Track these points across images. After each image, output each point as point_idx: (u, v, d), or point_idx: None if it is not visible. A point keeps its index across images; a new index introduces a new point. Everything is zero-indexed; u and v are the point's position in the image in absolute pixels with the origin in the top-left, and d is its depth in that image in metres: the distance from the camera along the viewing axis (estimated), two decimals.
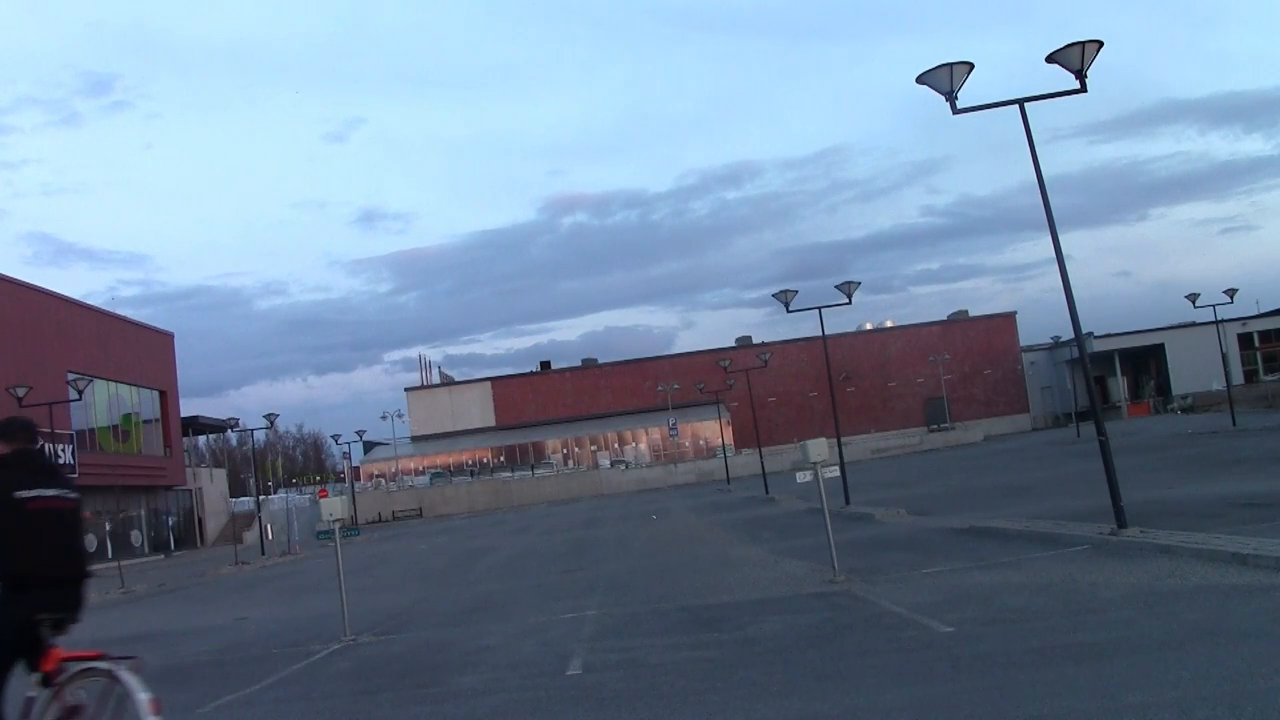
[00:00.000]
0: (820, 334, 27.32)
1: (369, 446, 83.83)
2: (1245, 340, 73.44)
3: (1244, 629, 6.76)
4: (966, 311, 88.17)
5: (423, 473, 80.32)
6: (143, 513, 53.00)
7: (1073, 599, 8.75)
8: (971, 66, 12.62)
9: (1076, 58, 12.32)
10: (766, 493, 37.21)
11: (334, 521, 12.49)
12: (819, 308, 26.02)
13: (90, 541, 46.61)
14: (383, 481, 79.45)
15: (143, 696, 4.79)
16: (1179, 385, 71.95)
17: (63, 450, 41.05)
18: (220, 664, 11.26)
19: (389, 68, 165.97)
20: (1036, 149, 13.26)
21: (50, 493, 5.15)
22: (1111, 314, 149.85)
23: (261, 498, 54.33)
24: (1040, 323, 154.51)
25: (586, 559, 20.17)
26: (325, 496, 13.83)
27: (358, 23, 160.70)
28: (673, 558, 18.07)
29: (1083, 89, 12.50)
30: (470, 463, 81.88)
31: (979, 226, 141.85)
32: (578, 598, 13.52)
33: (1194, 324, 64.49)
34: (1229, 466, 21.85)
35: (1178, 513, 13.63)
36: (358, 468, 79.55)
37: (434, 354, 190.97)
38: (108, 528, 47.83)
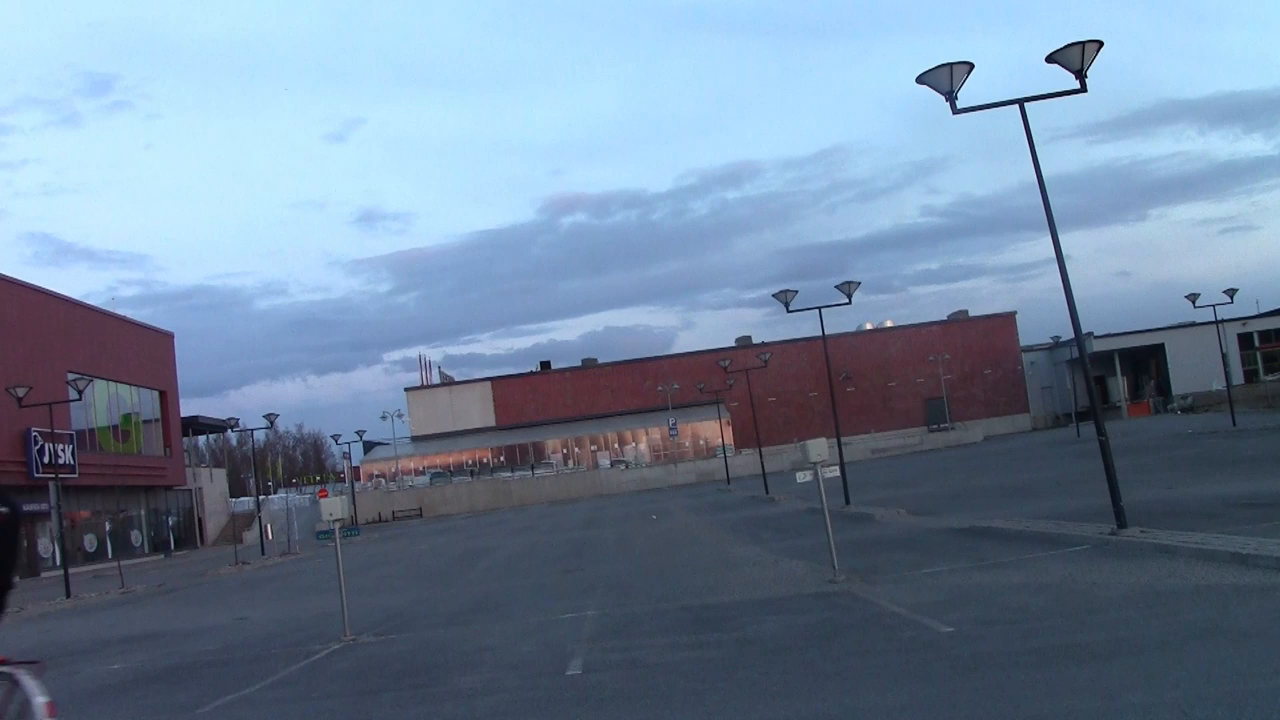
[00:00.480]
0: (820, 334, 27.32)
1: (369, 446, 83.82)
2: (1245, 340, 73.42)
3: (1244, 629, 6.76)
4: (966, 311, 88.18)
5: (423, 473, 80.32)
6: (143, 513, 53.01)
7: (1073, 599, 8.75)
8: (971, 66, 12.62)
9: (1076, 58, 12.32)
10: (766, 493, 37.21)
11: (334, 521, 12.49)
12: (819, 308, 26.02)
13: (91, 542, 46.66)
14: (383, 481, 79.44)
15: (40, 700, 4.80)
16: (1179, 385, 71.95)
17: (63, 450, 41.07)
18: (220, 664, 11.25)
19: (388, 68, 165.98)
20: (1036, 149, 13.26)
21: None
22: (1111, 314, 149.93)
23: (261, 498, 54.33)
24: (1040, 323, 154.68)
25: (586, 559, 20.17)
26: (325, 496, 13.82)
27: (357, 23, 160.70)
28: (673, 558, 18.07)
29: (1083, 89, 12.50)
30: (470, 463, 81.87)
31: (979, 226, 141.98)
32: (578, 598, 13.52)
33: (1194, 324, 64.50)
34: (1229, 466, 21.84)
35: (1178, 513, 13.63)
36: (358, 468, 79.54)
37: (434, 354, 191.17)
38: (108, 528, 47.83)
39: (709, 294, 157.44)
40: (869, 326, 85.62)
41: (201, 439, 78.78)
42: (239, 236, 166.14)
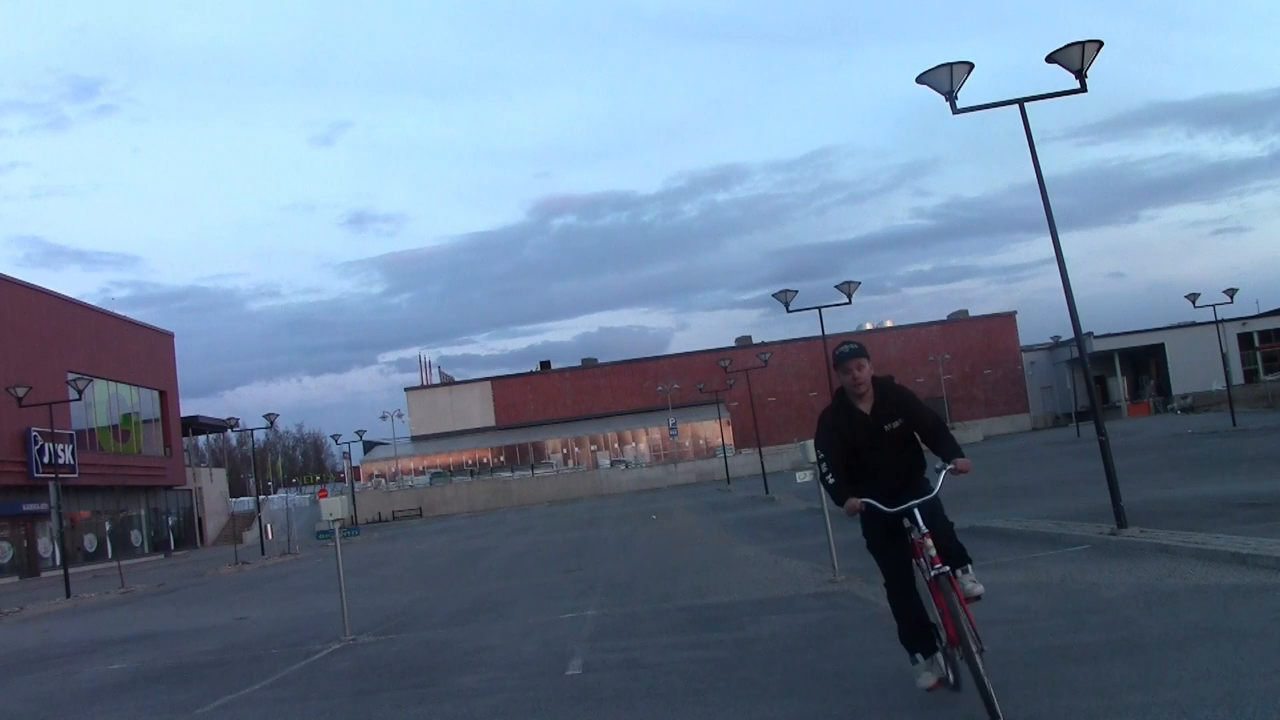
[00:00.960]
0: (820, 334, 27.33)
1: (369, 446, 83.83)
2: (1245, 340, 73.45)
3: (1244, 629, 6.76)
4: (966, 311, 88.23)
5: (423, 472, 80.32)
6: (143, 512, 53.01)
7: (1073, 599, 8.75)
8: (971, 66, 12.61)
9: (1076, 58, 12.33)
10: (766, 492, 37.22)
11: (334, 521, 12.48)
12: (819, 307, 26.05)
13: (91, 542, 46.65)
14: (383, 481, 79.44)
15: None
16: (1179, 385, 71.96)
17: (63, 450, 41.06)
18: (220, 664, 11.25)
19: (374, 72, 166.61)
20: (1034, 150, 13.25)
21: None
22: (1105, 315, 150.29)
23: (261, 498, 54.32)
24: (1034, 323, 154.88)
25: (586, 559, 20.17)
26: (325, 496, 13.82)
27: (342, 27, 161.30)
28: (673, 557, 18.07)
29: (1082, 89, 12.50)
30: (470, 463, 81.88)
31: (969, 228, 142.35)
32: (578, 598, 13.52)
33: (1194, 324, 64.53)
34: (1229, 466, 21.83)
35: (1178, 513, 13.62)
36: (357, 467, 79.56)
37: (429, 355, 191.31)
38: (108, 528, 47.84)
39: (703, 295, 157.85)
40: (869, 326, 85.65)
41: (201, 439, 78.81)
42: (230, 238, 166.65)
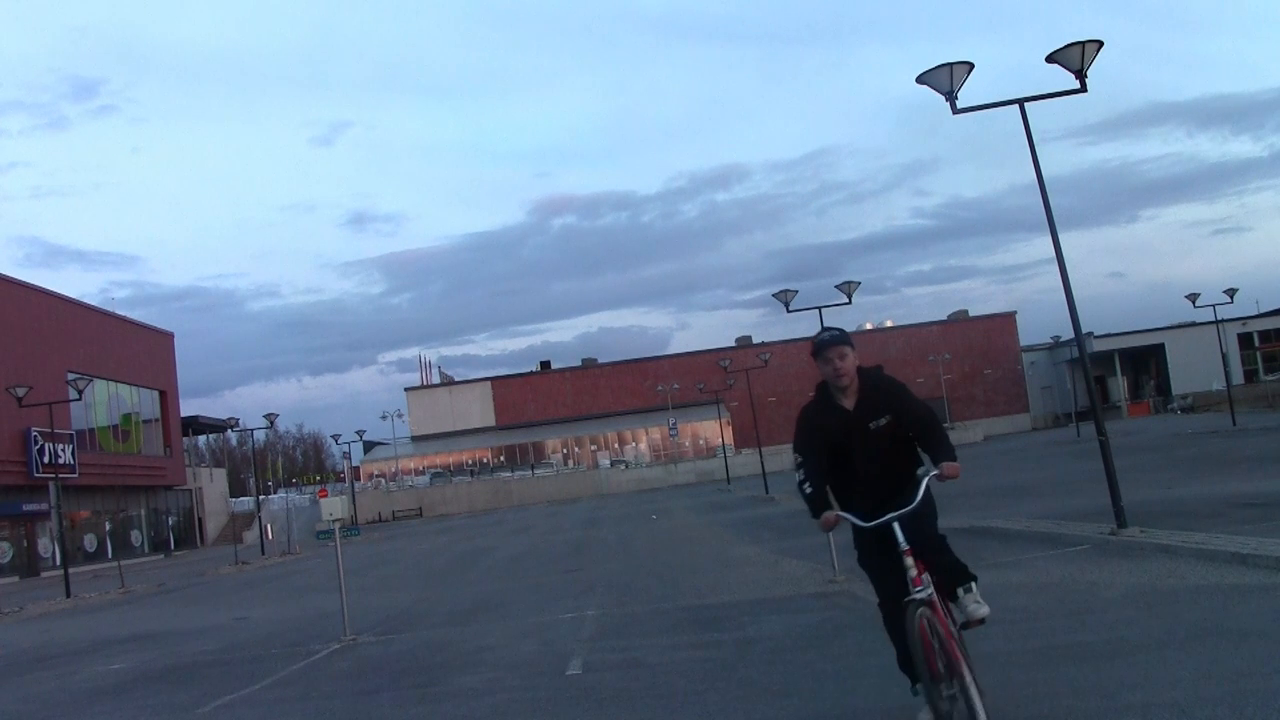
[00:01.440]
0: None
1: (369, 446, 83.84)
2: (1245, 340, 73.45)
3: (1244, 629, 6.76)
4: (966, 311, 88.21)
5: (423, 472, 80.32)
6: (143, 512, 53.00)
7: (1073, 599, 8.75)
8: (971, 66, 12.61)
9: (1076, 58, 12.33)
10: (766, 492, 37.21)
11: (334, 521, 12.49)
12: (819, 307, 26.04)
13: (91, 542, 46.65)
14: (383, 481, 79.44)
15: None
16: (1179, 385, 71.96)
17: (63, 450, 41.06)
18: (220, 664, 11.25)
19: (374, 72, 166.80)
20: (1034, 150, 13.25)
21: None
22: (1105, 315, 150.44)
23: (261, 498, 54.33)
24: (1034, 323, 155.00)
25: (586, 559, 20.17)
26: (325, 496, 13.82)
27: (342, 28, 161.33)
28: (673, 558, 18.07)
29: (1083, 89, 12.50)
30: (470, 463, 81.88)
31: (969, 228, 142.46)
32: (578, 598, 13.52)
33: (1194, 324, 64.53)
34: (1229, 466, 21.83)
35: (1178, 513, 13.62)
36: (358, 467, 79.55)
37: (429, 355, 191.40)
38: (108, 527, 47.82)
39: (702, 295, 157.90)
40: (869, 326, 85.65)
41: (201, 439, 78.82)
42: (230, 239, 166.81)
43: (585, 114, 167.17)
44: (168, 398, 56.63)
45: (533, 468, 77.87)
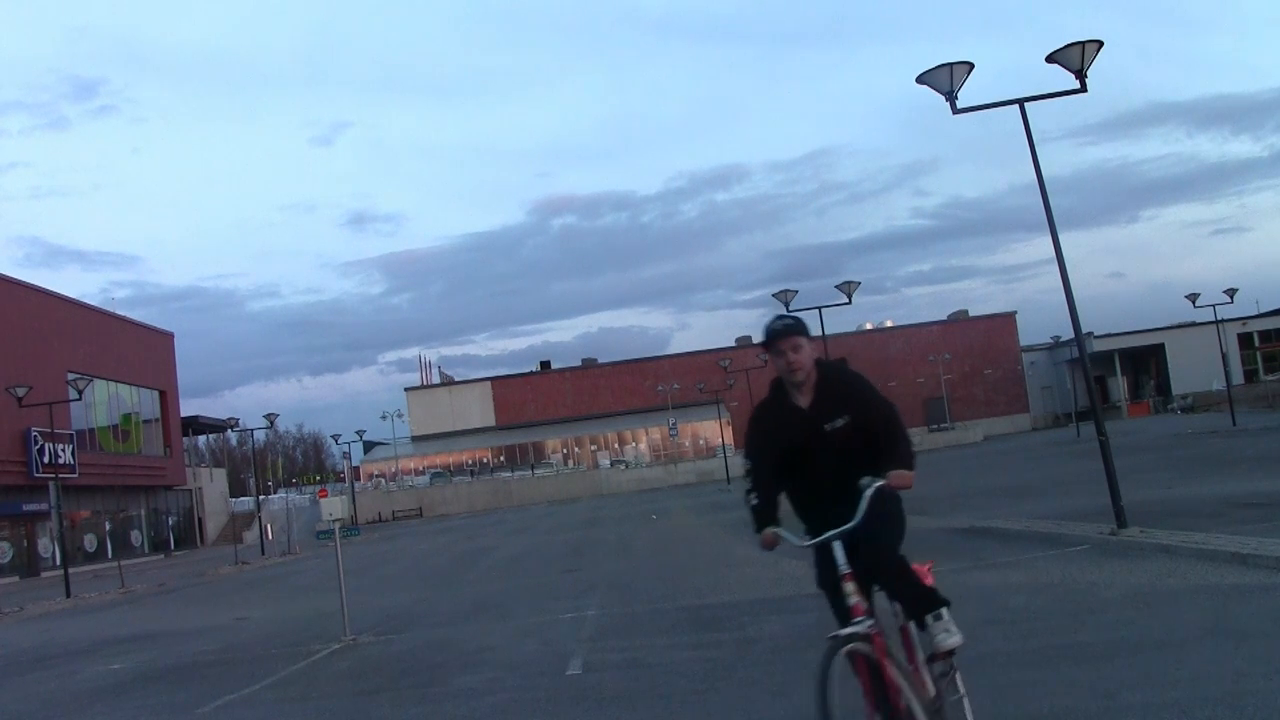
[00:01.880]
0: (820, 334, 27.34)
1: (369, 446, 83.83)
2: (1245, 340, 73.42)
3: (1244, 629, 6.76)
4: (966, 311, 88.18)
5: (423, 473, 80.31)
6: (143, 513, 53.00)
7: (1073, 599, 8.75)
8: (971, 66, 12.63)
9: (1076, 58, 12.34)
10: None
11: (334, 521, 12.48)
12: (819, 307, 26.06)
13: (91, 542, 46.65)
14: (383, 481, 79.42)
15: None
16: (1179, 385, 71.93)
17: (63, 450, 41.06)
18: (220, 664, 11.25)
19: (373, 72, 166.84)
20: (1034, 150, 13.26)
21: None
22: (1105, 315, 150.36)
23: (261, 498, 54.33)
24: (1034, 323, 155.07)
25: (586, 559, 20.16)
26: (325, 496, 13.82)
27: (341, 28, 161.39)
28: (673, 558, 18.07)
29: (1083, 89, 12.51)
30: (470, 463, 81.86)
31: (969, 228, 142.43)
32: (578, 598, 13.52)
33: (1194, 324, 64.51)
34: (1229, 466, 21.83)
35: (1178, 513, 13.62)
36: (358, 467, 79.55)
37: (429, 355, 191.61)
38: (108, 527, 47.83)
39: (702, 295, 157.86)
40: (869, 326, 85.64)
41: (201, 439, 78.79)
42: (230, 239, 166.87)
43: (585, 114, 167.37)
44: (168, 398, 56.63)
45: (533, 468, 77.85)
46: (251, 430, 49.52)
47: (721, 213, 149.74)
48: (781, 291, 26.22)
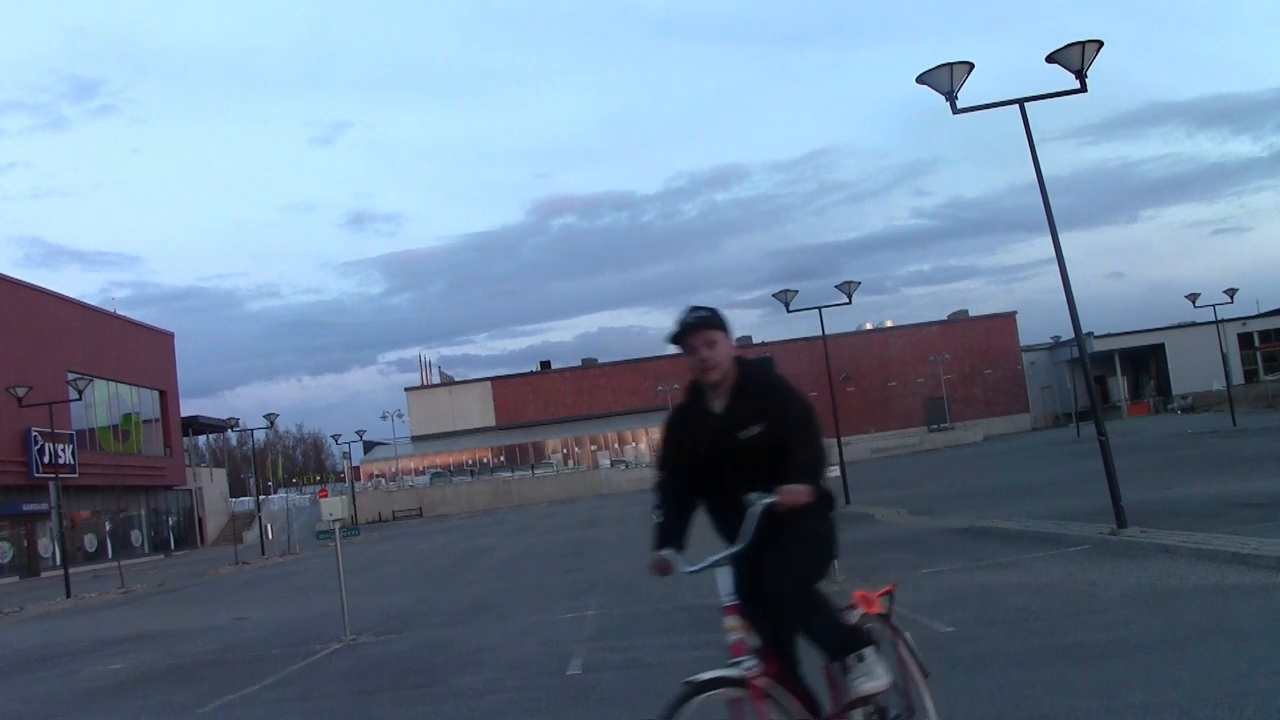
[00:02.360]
0: (820, 334, 27.32)
1: (369, 446, 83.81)
2: (1245, 340, 73.40)
3: (1244, 629, 6.76)
4: (966, 311, 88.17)
5: (423, 472, 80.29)
6: (143, 512, 53.00)
7: (1073, 599, 8.75)
8: (971, 66, 12.62)
9: (1076, 58, 12.34)
10: None
11: (334, 521, 12.48)
12: (819, 307, 26.03)
13: (91, 542, 46.65)
14: (383, 481, 79.42)
15: None
16: (1179, 385, 71.92)
17: (63, 450, 41.06)
18: (220, 664, 11.25)
19: (374, 72, 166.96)
20: (1034, 150, 13.26)
21: None
22: (1105, 315, 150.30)
23: (261, 498, 54.30)
24: (1034, 323, 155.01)
25: (587, 559, 20.16)
26: (325, 496, 13.81)
27: (342, 28, 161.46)
28: None
29: (1083, 89, 12.51)
30: (470, 462, 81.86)
31: (969, 228, 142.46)
32: (578, 598, 13.52)
33: (1194, 324, 64.50)
34: (1229, 466, 21.84)
35: (1178, 513, 13.62)
36: (358, 468, 79.54)
37: (429, 355, 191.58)
38: (108, 527, 47.83)
39: (702, 295, 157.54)
40: (869, 326, 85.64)
41: (201, 439, 78.81)
42: (230, 239, 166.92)
43: (585, 114, 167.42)
44: (168, 398, 56.63)
45: (533, 468, 77.84)
46: (251, 430, 49.53)
47: (721, 213, 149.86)
48: (781, 291, 26.17)
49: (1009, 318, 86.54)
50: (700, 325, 3.89)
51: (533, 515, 48.89)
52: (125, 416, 51.48)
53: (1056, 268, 13.19)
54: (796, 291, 26.05)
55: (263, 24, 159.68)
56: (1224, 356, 50.91)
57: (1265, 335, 74.58)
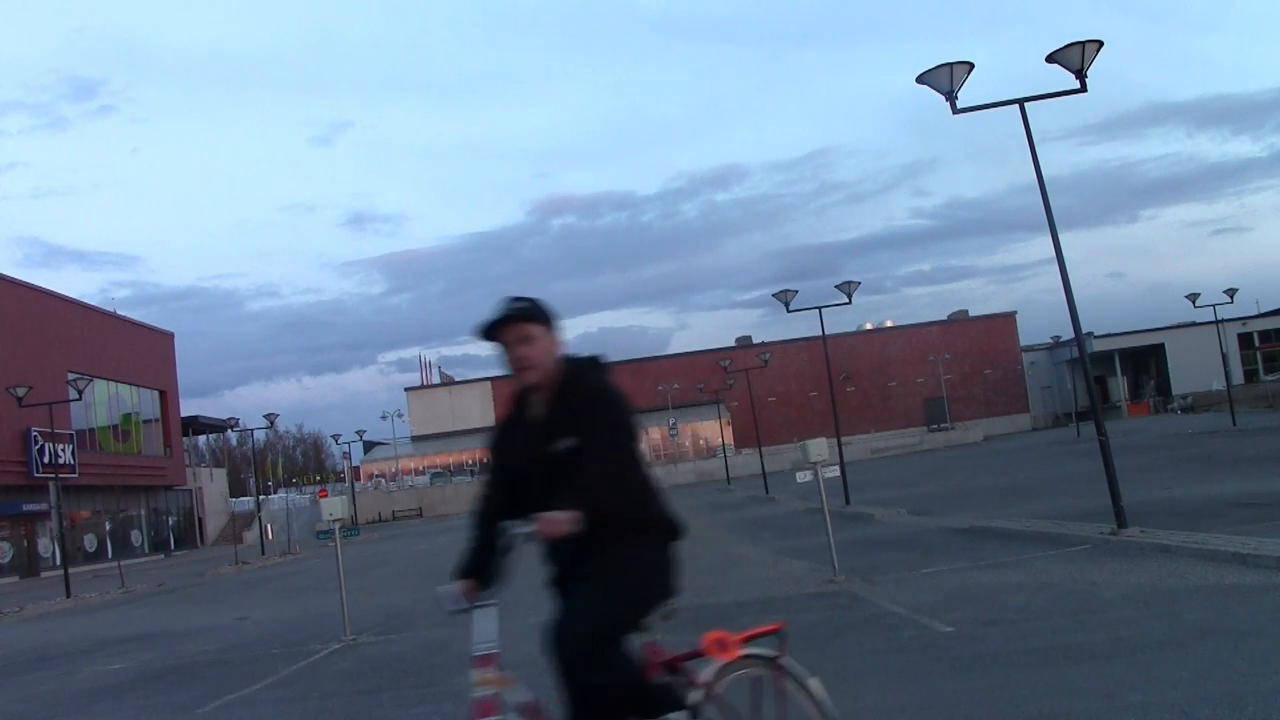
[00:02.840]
0: (820, 334, 27.31)
1: (369, 446, 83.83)
2: (1245, 340, 73.44)
3: (1244, 629, 6.76)
4: (966, 311, 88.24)
5: (423, 472, 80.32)
6: (143, 512, 53.01)
7: (1073, 599, 8.75)
8: (971, 66, 12.62)
9: (1076, 57, 12.34)
10: (766, 492, 37.21)
11: (334, 521, 12.47)
12: (819, 307, 26.02)
13: (91, 542, 46.65)
14: (383, 481, 79.44)
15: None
16: (1179, 385, 71.94)
17: (63, 450, 41.06)
18: (220, 664, 11.24)
19: (374, 72, 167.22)
20: (1034, 150, 13.25)
21: None
22: (1105, 315, 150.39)
23: (261, 498, 54.32)
24: (1034, 323, 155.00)
25: None
26: (325, 496, 13.82)
27: (342, 28, 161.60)
28: None
29: (1083, 89, 12.50)
30: (470, 462, 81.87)
31: (968, 228, 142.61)
32: None
33: (1194, 324, 64.51)
34: (1229, 466, 21.83)
35: (1178, 513, 13.62)
36: (358, 467, 79.55)
37: (429, 355, 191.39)
38: (108, 527, 47.84)
39: (702, 295, 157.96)
40: (869, 326, 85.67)
41: (201, 439, 78.78)
42: (229, 239, 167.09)
43: (585, 114, 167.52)
44: (168, 398, 56.64)
45: None
46: (251, 430, 49.54)
47: (721, 213, 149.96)
48: (781, 291, 26.18)
49: (1009, 318, 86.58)
50: (515, 318, 3.37)
51: None
52: (125, 416, 51.49)
53: (1056, 268, 13.19)
54: (796, 291, 26.05)
55: (262, 24, 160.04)
56: (1224, 356, 50.90)
57: (1265, 335, 74.60)
